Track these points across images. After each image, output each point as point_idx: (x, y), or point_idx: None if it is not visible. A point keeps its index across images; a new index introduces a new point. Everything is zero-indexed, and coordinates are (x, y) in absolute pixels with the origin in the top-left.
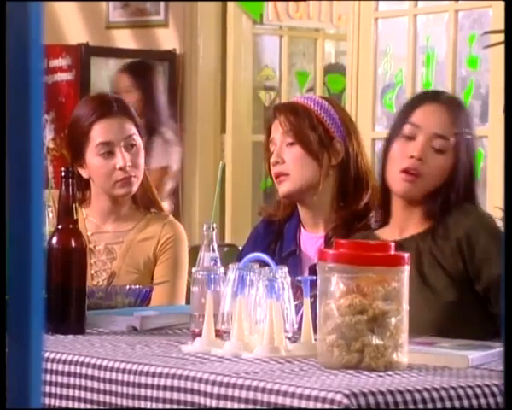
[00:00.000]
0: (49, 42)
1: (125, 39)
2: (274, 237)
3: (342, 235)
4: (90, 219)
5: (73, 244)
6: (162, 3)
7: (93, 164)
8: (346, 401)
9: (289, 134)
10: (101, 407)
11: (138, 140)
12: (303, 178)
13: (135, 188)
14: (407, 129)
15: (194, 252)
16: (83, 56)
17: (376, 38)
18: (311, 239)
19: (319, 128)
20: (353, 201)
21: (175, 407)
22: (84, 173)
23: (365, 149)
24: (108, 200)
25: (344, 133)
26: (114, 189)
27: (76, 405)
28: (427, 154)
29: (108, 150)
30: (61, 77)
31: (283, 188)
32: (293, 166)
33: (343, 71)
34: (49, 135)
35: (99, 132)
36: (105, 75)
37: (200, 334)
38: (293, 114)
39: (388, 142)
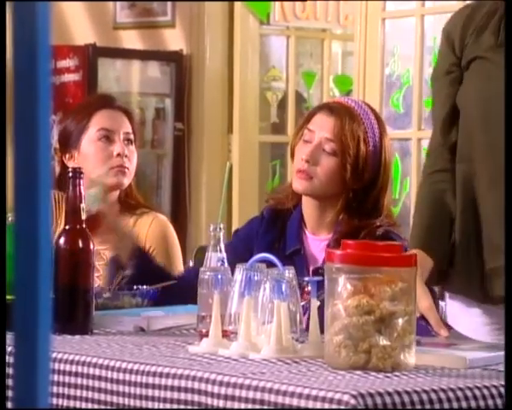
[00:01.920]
0: (56, 42)
1: (132, 40)
2: (277, 234)
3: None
4: None
5: (81, 245)
6: (169, 4)
7: (90, 150)
8: (353, 401)
9: (335, 145)
10: (109, 408)
11: (132, 144)
12: (324, 189)
13: (126, 182)
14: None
15: (201, 252)
16: (90, 57)
17: (383, 39)
18: (314, 241)
19: (361, 151)
20: (365, 217)
21: (182, 407)
22: (71, 163)
23: (389, 185)
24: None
25: (377, 164)
26: (107, 176)
27: (83, 405)
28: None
29: (108, 136)
30: (69, 77)
31: (301, 186)
32: (323, 174)
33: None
34: (56, 135)
35: (101, 119)
36: (112, 76)
37: (207, 334)
38: (349, 126)
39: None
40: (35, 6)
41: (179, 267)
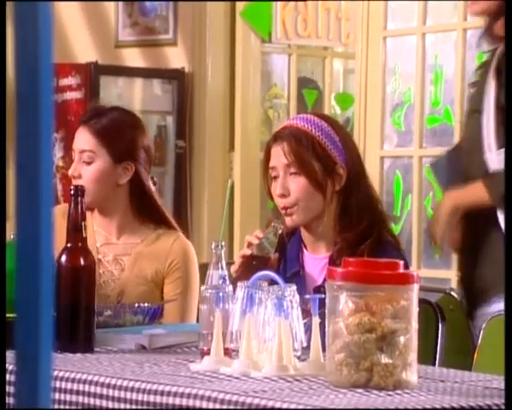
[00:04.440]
0: (58, 61)
1: (133, 58)
2: (279, 257)
3: (347, 256)
4: (99, 230)
5: (82, 262)
6: (171, 22)
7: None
8: None
9: (294, 165)
10: None
11: (90, 162)
12: (309, 209)
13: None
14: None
15: (202, 270)
16: (92, 75)
17: (385, 57)
18: (313, 260)
19: (322, 156)
20: (357, 222)
21: None
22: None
23: (365, 167)
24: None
25: (345, 156)
26: None
27: None
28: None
29: (74, 156)
30: (71, 95)
31: (290, 222)
32: (299, 197)
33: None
34: (58, 153)
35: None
36: (114, 93)
37: (208, 352)
38: (296, 143)
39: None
40: (37, 24)
41: (196, 287)
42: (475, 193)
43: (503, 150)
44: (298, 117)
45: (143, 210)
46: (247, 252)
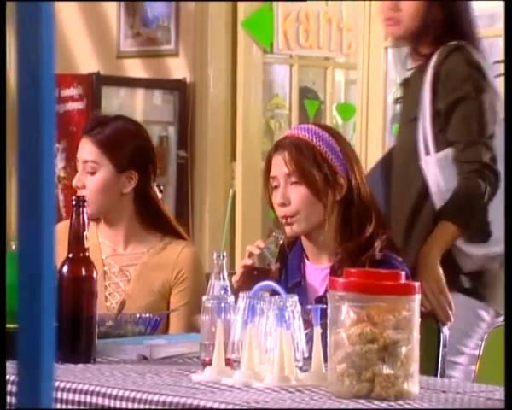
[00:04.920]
0: (60, 71)
1: (135, 68)
2: (280, 267)
3: (348, 267)
4: (105, 242)
5: (84, 273)
6: (173, 33)
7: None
8: None
9: (294, 174)
10: None
11: (94, 173)
12: (310, 219)
13: (87, 211)
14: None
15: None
16: (94, 86)
17: (386, 67)
18: (315, 270)
19: (323, 165)
20: (358, 232)
21: None
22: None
23: (365, 177)
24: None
25: (346, 166)
26: None
27: None
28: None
29: (77, 166)
30: (73, 106)
31: (290, 231)
32: (300, 206)
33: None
34: (60, 164)
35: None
36: (116, 104)
37: (210, 363)
38: (297, 152)
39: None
40: (39, 35)
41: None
42: (448, 236)
43: (441, 153)
44: (299, 127)
45: (149, 218)
46: (249, 262)
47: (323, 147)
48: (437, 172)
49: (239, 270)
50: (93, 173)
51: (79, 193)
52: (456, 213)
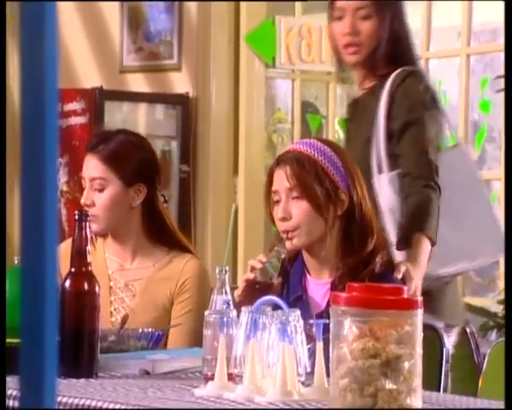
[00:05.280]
0: (63, 86)
1: (138, 83)
2: (282, 281)
3: (349, 282)
4: (112, 258)
5: (86, 288)
6: (175, 48)
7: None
8: None
9: (296, 189)
10: None
11: (102, 190)
12: (310, 233)
13: (96, 228)
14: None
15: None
16: (97, 100)
17: None
18: (316, 285)
19: (325, 181)
20: (359, 247)
21: None
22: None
23: (366, 193)
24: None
25: (348, 181)
26: None
27: None
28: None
29: (84, 183)
30: (75, 120)
31: (291, 245)
32: (301, 221)
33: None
34: (62, 178)
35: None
36: (118, 118)
37: (212, 377)
38: (299, 167)
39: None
40: (43, 50)
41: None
42: (426, 250)
43: (394, 172)
44: (301, 142)
45: (156, 232)
46: (251, 276)
47: (325, 162)
48: (389, 190)
49: (241, 284)
50: (101, 190)
51: (89, 211)
52: (426, 226)
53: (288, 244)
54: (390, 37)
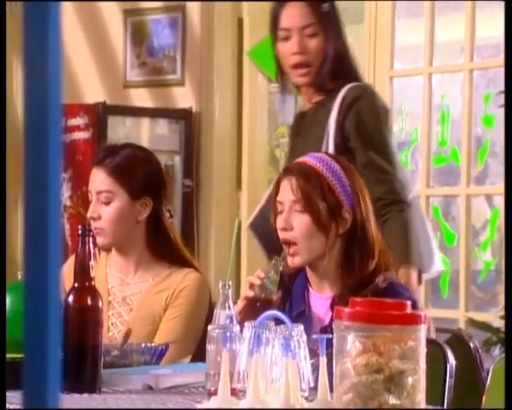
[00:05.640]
0: (66, 101)
1: (141, 98)
2: (283, 295)
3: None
4: (113, 273)
5: (89, 303)
6: (178, 63)
7: None
8: None
9: (300, 202)
10: None
11: (109, 203)
12: (310, 250)
13: (102, 242)
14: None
15: (209, 309)
16: (100, 115)
17: (391, 97)
18: (319, 299)
19: (330, 197)
20: (359, 268)
21: None
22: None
23: (372, 215)
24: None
25: (353, 201)
26: None
27: None
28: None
29: (91, 197)
30: (79, 135)
31: (294, 262)
32: (301, 235)
33: None
34: (66, 193)
35: (90, 179)
36: (122, 133)
37: (215, 393)
38: (305, 180)
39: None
40: (47, 64)
41: (199, 321)
42: (413, 283)
43: None
44: (311, 155)
45: (159, 246)
46: (250, 294)
47: (332, 179)
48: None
49: (240, 301)
50: (108, 203)
51: (95, 224)
52: (410, 259)
53: (289, 261)
54: (335, 53)
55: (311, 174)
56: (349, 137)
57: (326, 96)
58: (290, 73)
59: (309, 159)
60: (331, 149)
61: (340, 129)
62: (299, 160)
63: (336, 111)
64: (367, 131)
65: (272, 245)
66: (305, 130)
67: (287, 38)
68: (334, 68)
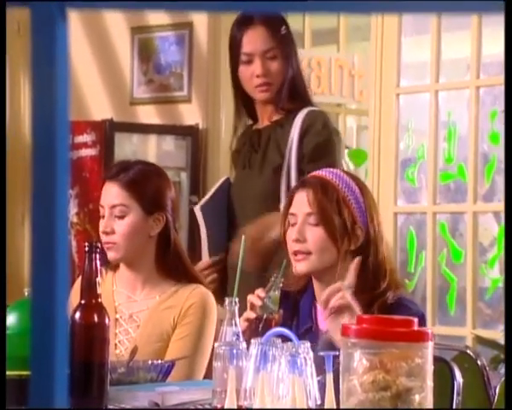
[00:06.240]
0: (73, 118)
1: (148, 115)
2: (289, 313)
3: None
4: (120, 290)
5: (96, 319)
6: (185, 80)
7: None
8: None
9: (315, 215)
10: None
11: (123, 217)
12: (321, 260)
13: (114, 256)
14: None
15: (216, 326)
16: (107, 132)
17: (398, 113)
18: None
19: (345, 213)
20: (370, 286)
21: None
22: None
23: (383, 234)
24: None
25: (367, 219)
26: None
27: None
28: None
29: (103, 212)
30: (86, 152)
31: (301, 267)
32: (314, 247)
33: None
34: (73, 210)
35: (102, 194)
36: (129, 150)
37: None
38: (322, 194)
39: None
40: (54, 82)
41: (209, 338)
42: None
43: None
44: (327, 170)
45: (167, 263)
46: (252, 315)
47: (348, 194)
48: None
49: (242, 322)
50: (122, 217)
51: (107, 239)
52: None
53: (298, 266)
54: (293, 74)
55: (329, 188)
56: (302, 158)
57: (284, 116)
58: (252, 92)
59: (325, 173)
60: (293, 169)
61: (299, 149)
62: (315, 173)
63: (297, 134)
64: (319, 154)
65: (216, 229)
66: (262, 147)
67: (249, 62)
68: (292, 89)
